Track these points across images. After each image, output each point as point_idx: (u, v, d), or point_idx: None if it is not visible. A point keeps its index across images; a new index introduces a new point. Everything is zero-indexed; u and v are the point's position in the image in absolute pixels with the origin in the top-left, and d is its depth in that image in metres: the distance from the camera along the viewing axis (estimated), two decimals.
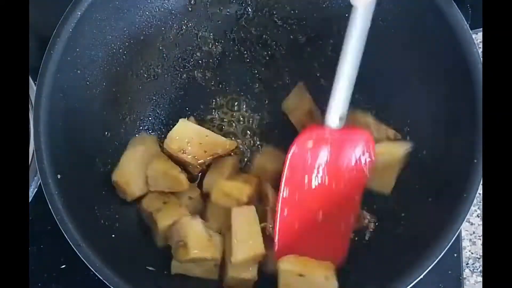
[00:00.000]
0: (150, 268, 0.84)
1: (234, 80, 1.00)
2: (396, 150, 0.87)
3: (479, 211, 0.99)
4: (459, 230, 0.75)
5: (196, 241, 0.81)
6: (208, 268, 0.85)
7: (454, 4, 0.81)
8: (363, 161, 0.86)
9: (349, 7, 0.93)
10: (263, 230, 0.84)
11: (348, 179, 0.86)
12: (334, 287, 0.80)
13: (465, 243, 0.97)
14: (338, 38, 0.96)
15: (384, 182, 0.88)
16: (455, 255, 0.94)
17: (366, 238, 0.89)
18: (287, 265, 0.80)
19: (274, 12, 0.98)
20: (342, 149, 0.85)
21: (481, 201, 0.97)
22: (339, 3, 0.94)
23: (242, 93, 1.00)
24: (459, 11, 0.80)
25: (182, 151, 0.88)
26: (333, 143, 0.85)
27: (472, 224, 0.98)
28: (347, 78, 0.81)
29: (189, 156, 0.88)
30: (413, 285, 0.74)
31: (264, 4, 0.98)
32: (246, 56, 1.00)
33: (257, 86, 1.00)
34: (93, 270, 0.74)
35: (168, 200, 0.88)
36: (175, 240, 0.83)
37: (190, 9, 0.96)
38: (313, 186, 0.86)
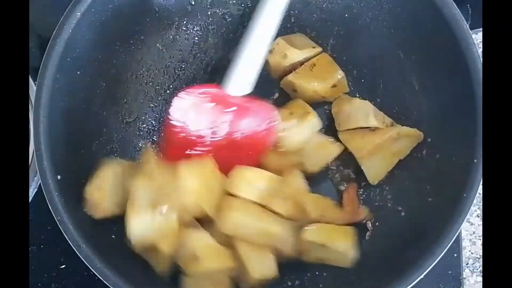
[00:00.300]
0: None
1: None
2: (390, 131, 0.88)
3: (479, 211, 0.99)
4: (459, 230, 0.75)
5: (207, 251, 0.79)
6: (221, 281, 0.82)
7: (454, 4, 0.81)
8: (262, 129, 0.89)
9: (348, 7, 0.93)
10: None
11: (244, 143, 0.89)
12: (352, 257, 0.83)
13: (465, 243, 0.97)
14: (337, 38, 0.96)
15: (377, 165, 0.90)
16: (455, 255, 0.95)
17: (366, 237, 0.89)
18: (312, 236, 0.82)
19: None
20: (240, 115, 0.88)
21: (481, 201, 0.97)
22: (339, 3, 0.94)
23: None
24: (459, 11, 0.80)
25: None
26: (232, 107, 0.88)
27: (472, 224, 0.98)
28: (248, 50, 0.86)
29: None
30: (413, 285, 0.74)
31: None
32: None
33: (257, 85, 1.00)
34: (93, 271, 0.74)
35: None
36: (183, 255, 0.80)
37: (189, 9, 0.96)
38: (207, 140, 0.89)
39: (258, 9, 0.86)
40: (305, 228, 0.83)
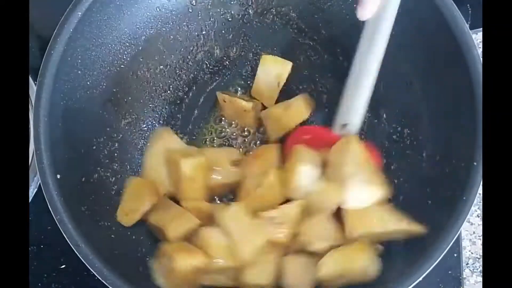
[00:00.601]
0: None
1: (234, 81, 1.00)
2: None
3: (479, 211, 0.99)
4: (459, 232, 0.75)
5: (218, 250, 0.80)
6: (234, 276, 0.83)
7: (455, 5, 0.80)
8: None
9: (350, 9, 0.93)
10: None
11: None
12: (374, 270, 0.78)
13: (465, 243, 0.97)
14: (338, 39, 0.96)
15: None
16: (455, 255, 0.94)
17: None
18: (327, 272, 0.77)
19: (275, 14, 0.98)
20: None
21: (481, 201, 0.97)
22: (340, 4, 0.93)
23: (243, 94, 1.00)
24: (459, 13, 0.80)
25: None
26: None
27: (472, 224, 0.98)
28: (354, 87, 0.82)
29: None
30: (413, 285, 0.74)
31: (265, 6, 0.98)
32: (246, 56, 1.01)
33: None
34: (92, 271, 0.74)
35: (176, 212, 0.86)
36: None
37: (190, 10, 0.96)
38: None
39: (359, 47, 0.80)
40: (319, 263, 0.78)
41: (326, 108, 0.97)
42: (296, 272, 0.81)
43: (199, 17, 0.97)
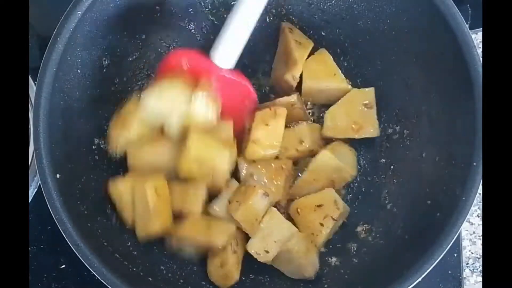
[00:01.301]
0: None
1: None
2: None
3: (479, 211, 0.99)
4: (458, 232, 0.75)
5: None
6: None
7: (455, 7, 0.80)
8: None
9: (349, 9, 0.93)
10: None
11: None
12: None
13: (465, 243, 0.97)
14: (338, 39, 0.96)
15: None
16: (455, 255, 0.95)
17: (369, 239, 0.89)
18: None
19: (275, 14, 0.98)
20: (224, 87, 0.87)
21: (481, 201, 0.97)
22: (340, 4, 0.93)
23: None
24: (460, 14, 0.80)
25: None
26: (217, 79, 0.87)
27: (472, 224, 0.99)
28: (240, 20, 0.83)
29: None
30: (413, 285, 0.74)
31: (265, 6, 0.98)
32: (246, 57, 1.00)
33: (257, 89, 1.00)
34: (91, 270, 0.74)
35: None
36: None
37: (191, 9, 0.96)
38: None
39: None
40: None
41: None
42: None
43: (200, 18, 0.97)
